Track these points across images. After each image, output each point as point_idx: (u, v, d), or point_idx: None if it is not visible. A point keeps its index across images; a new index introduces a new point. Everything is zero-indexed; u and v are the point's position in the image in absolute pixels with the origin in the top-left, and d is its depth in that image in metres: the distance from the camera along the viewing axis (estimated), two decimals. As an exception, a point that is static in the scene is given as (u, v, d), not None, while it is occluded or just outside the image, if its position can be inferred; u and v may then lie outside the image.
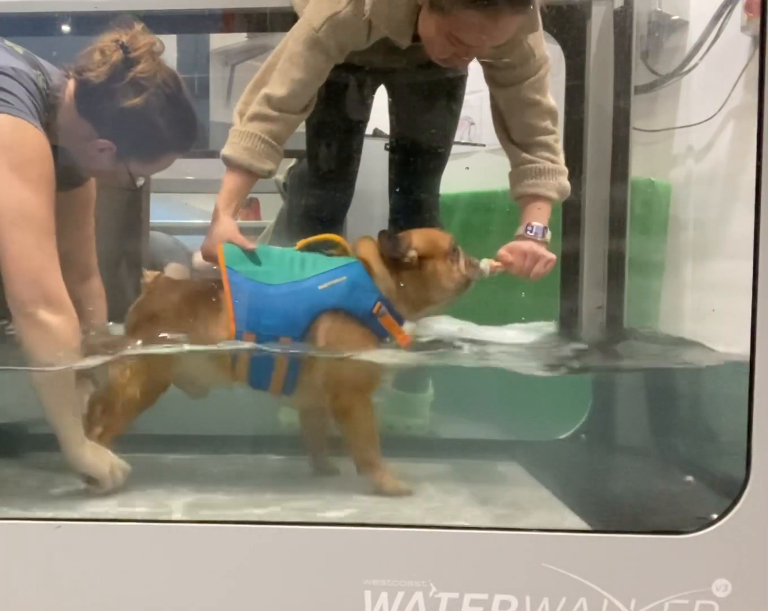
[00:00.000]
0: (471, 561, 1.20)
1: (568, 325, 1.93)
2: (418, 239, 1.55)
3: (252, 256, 1.52)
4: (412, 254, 1.52)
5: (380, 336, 1.52)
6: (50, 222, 1.38)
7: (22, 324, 1.37)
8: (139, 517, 1.37)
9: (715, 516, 1.18)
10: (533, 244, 1.63)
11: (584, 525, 1.35)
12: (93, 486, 1.48)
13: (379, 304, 1.51)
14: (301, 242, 1.58)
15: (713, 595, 1.17)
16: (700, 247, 2.04)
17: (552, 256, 1.64)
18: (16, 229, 1.35)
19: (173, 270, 1.93)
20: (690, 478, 1.42)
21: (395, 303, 1.53)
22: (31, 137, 1.40)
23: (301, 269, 1.52)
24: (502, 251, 1.62)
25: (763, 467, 1.16)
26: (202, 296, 1.55)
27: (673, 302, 2.06)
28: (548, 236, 1.66)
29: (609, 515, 1.40)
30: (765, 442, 1.16)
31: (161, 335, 1.52)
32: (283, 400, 1.62)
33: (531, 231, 1.64)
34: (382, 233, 1.54)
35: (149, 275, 1.59)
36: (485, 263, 1.59)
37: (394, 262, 1.52)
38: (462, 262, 1.56)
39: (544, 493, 1.59)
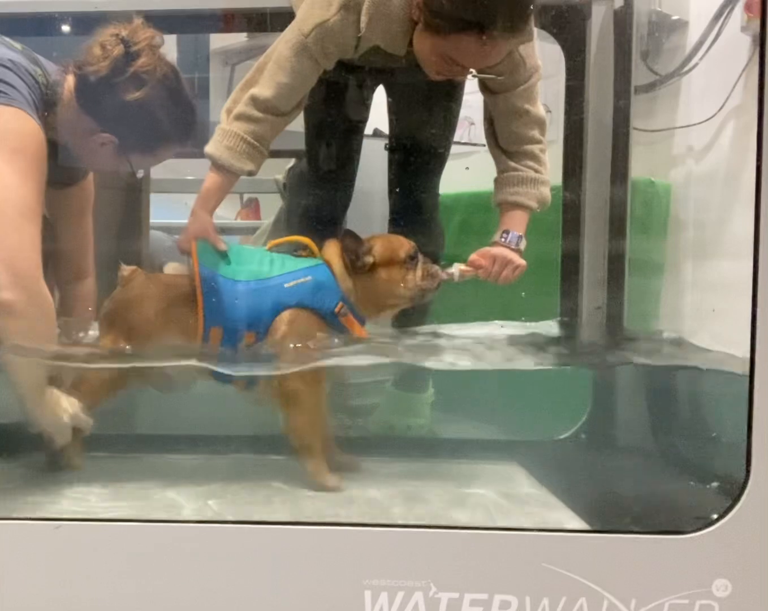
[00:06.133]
0: (471, 561, 1.20)
1: (569, 325, 1.93)
2: (377, 245, 1.60)
3: (223, 254, 1.57)
4: (368, 259, 1.58)
5: (340, 334, 1.56)
6: (35, 209, 1.37)
7: None
8: (139, 517, 1.36)
9: (715, 516, 1.18)
10: (504, 249, 1.66)
11: (584, 525, 1.35)
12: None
13: (341, 304, 1.56)
14: (272, 243, 1.64)
15: (713, 595, 1.17)
16: (700, 247, 2.04)
17: (522, 262, 1.66)
18: None
19: (172, 269, 1.93)
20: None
21: (355, 304, 1.58)
22: (27, 127, 1.40)
23: (270, 268, 1.57)
24: (473, 257, 1.66)
25: (763, 467, 1.16)
26: (176, 290, 1.58)
27: (673, 302, 2.06)
28: (523, 244, 1.68)
29: (609, 515, 1.40)
30: (765, 442, 1.16)
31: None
32: (247, 395, 1.62)
33: (505, 238, 1.67)
34: (346, 232, 1.59)
35: (126, 269, 1.60)
36: (456, 269, 1.64)
37: (353, 265, 1.58)
38: (419, 272, 1.60)
39: (544, 493, 1.59)
